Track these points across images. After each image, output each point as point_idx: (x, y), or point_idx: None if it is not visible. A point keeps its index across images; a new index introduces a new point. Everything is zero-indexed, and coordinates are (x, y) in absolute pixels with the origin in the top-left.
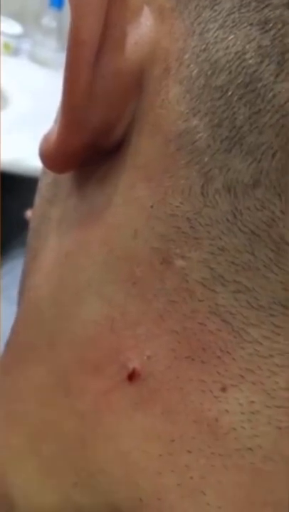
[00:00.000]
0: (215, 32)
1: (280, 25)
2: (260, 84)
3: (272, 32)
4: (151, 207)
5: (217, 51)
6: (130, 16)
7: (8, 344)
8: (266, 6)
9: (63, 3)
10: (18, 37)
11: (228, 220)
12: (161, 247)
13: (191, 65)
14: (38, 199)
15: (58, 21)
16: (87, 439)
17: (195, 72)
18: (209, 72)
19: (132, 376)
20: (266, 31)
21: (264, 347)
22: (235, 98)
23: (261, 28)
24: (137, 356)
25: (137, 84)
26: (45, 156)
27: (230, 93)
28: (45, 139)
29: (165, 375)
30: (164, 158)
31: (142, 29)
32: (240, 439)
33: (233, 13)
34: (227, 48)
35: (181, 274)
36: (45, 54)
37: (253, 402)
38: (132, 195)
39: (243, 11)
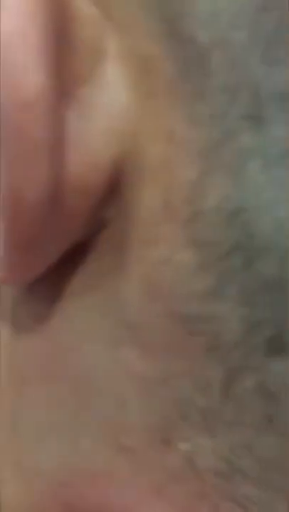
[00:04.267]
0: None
1: None
2: None
3: None
4: (148, 381)
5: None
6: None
7: None
8: None
9: None
10: None
11: (260, 422)
12: (160, 427)
13: (214, 224)
14: None
15: None
16: None
17: (226, 246)
18: (250, 254)
19: None
20: None
21: None
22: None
23: None
24: None
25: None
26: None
27: (285, 288)
28: None
29: None
30: (168, 335)
31: (112, 106)
32: None
33: None
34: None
35: (186, 457)
36: None
37: None
38: (116, 355)
39: None
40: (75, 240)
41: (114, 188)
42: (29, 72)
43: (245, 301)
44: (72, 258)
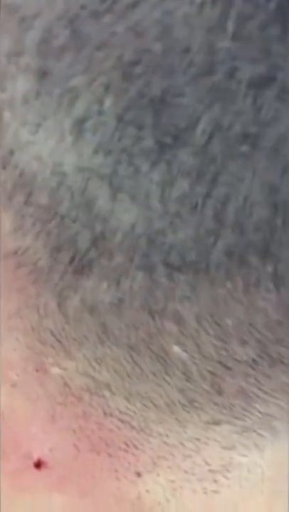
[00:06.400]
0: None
1: None
2: (96, 207)
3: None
4: (9, 318)
5: (29, 161)
6: None
7: None
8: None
9: None
10: None
11: (98, 334)
12: (31, 357)
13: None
14: None
15: None
16: None
17: (9, 184)
18: (28, 189)
19: (38, 464)
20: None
21: (172, 438)
22: (69, 220)
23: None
24: (39, 448)
25: None
26: None
27: (60, 214)
28: None
29: (73, 464)
30: (5, 272)
31: None
32: (168, 510)
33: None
34: (40, 157)
35: (61, 381)
36: None
37: (173, 481)
38: None
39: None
40: None
41: None
42: None
43: (40, 231)
44: None
